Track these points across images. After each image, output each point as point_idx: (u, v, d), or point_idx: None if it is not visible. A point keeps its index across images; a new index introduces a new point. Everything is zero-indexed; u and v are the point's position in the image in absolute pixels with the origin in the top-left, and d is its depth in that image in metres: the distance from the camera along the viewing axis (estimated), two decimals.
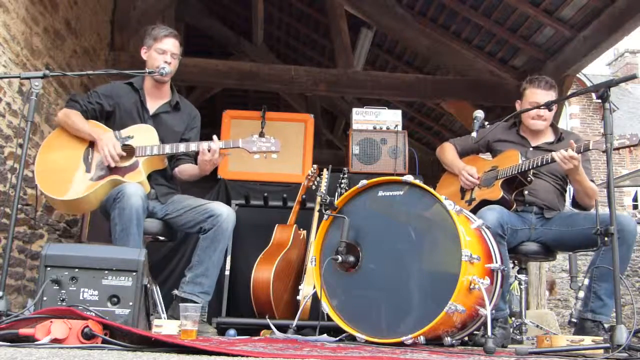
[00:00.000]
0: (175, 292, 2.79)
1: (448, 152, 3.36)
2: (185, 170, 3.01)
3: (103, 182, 2.76)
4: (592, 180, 2.98)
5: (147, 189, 2.81)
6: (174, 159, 3.04)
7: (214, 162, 2.83)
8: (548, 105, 2.77)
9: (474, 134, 2.86)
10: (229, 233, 2.85)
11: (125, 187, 2.66)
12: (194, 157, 2.98)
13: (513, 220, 2.91)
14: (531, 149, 3.10)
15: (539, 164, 2.86)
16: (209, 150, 2.79)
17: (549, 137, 3.16)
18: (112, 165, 2.78)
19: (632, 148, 2.55)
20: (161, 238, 3.00)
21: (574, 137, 3.10)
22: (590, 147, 2.70)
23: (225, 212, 2.82)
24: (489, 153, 3.31)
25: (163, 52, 2.95)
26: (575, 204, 3.03)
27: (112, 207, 2.66)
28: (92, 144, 2.86)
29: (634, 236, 2.68)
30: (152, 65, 2.94)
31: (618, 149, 2.55)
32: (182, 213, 2.87)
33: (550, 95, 3.04)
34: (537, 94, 3.05)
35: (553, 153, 2.82)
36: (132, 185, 2.68)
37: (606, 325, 2.66)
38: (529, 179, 2.96)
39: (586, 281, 2.65)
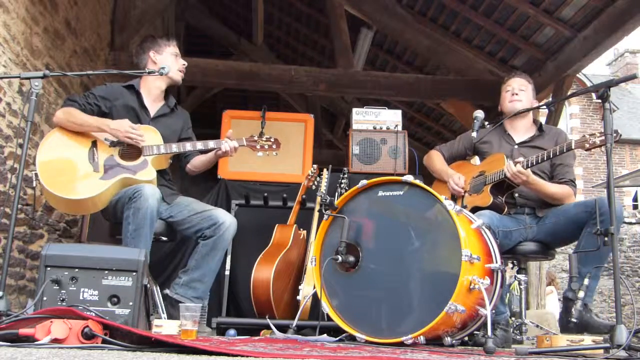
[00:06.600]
0: (167, 291, 2.81)
1: (435, 160, 3.38)
2: (201, 162, 3.07)
3: (114, 180, 2.76)
4: (570, 182, 2.99)
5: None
6: (184, 157, 3.11)
7: (228, 155, 2.97)
8: (548, 105, 2.79)
9: (474, 134, 2.88)
10: (229, 241, 2.92)
11: (143, 187, 2.67)
12: (199, 151, 3.06)
13: (505, 223, 2.92)
14: (516, 146, 3.14)
15: (525, 167, 2.87)
16: (235, 149, 2.94)
17: (532, 131, 3.20)
18: (143, 144, 2.82)
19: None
20: (163, 238, 3.00)
21: (555, 132, 3.16)
22: (534, 162, 2.82)
23: (228, 221, 2.88)
24: (476, 156, 3.32)
25: (177, 55, 3.09)
26: None
27: (127, 206, 2.66)
28: (94, 144, 2.85)
29: (619, 220, 2.68)
30: (170, 68, 2.99)
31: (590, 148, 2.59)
32: (186, 217, 2.91)
33: (523, 80, 3.21)
34: (511, 81, 3.23)
35: (504, 168, 2.88)
36: (149, 187, 2.69)
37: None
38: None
39: (586, 281, 2.64)
